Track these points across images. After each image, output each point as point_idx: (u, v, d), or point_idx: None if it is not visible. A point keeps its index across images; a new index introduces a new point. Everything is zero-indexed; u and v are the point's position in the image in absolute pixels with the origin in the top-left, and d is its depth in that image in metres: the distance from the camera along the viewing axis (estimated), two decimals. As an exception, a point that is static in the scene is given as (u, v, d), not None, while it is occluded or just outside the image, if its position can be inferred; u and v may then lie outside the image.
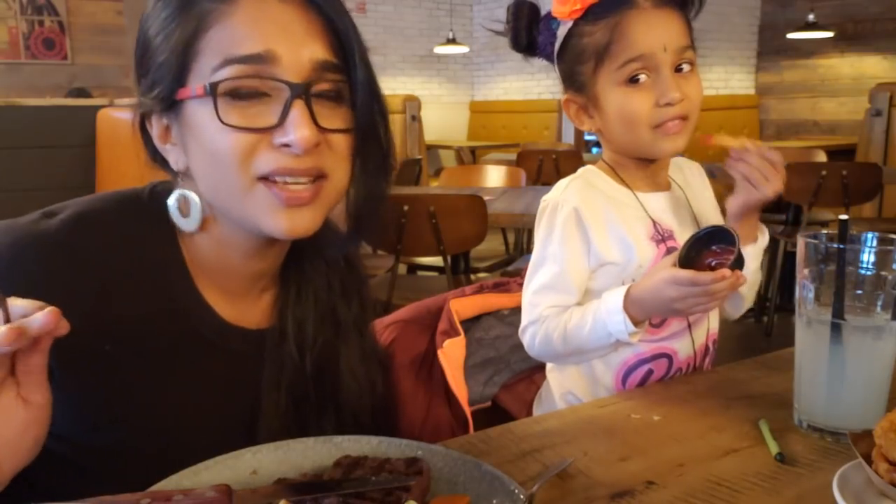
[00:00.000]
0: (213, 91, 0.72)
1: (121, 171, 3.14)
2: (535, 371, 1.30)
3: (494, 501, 0.65)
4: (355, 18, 0.77)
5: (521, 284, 1.18)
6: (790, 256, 4.06)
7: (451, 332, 1.22)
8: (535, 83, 8.10)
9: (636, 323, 1.03)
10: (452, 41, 7.62)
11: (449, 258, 2.94)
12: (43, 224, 0.76)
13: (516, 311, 1.21)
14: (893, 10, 6.50)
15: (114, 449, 0.76)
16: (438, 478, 0.69)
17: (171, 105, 0.76)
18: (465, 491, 0.67)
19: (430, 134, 7.66)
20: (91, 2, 6.54)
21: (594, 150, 6.17)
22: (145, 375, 0.78)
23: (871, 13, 6.67)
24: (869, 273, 0.84)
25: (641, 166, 1.13)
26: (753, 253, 1.11)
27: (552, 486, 0.74)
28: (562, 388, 1.18)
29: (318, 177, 0.76)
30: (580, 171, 1.17)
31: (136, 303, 0.77)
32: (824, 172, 3.85)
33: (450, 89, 8.90)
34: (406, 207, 2.74)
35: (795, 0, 7.09)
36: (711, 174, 1.28)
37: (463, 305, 1.28)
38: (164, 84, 0.75)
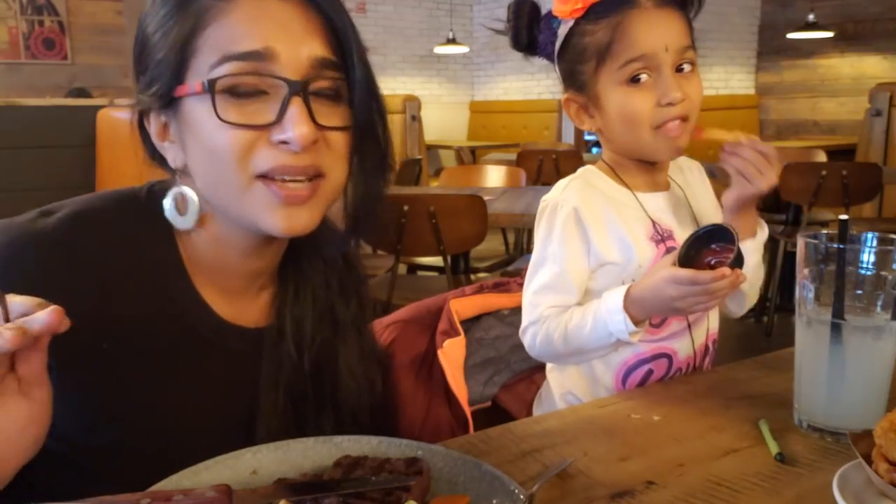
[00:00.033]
0: (211, 88, 0.72)
1: (121, 171, 3.14)
2: (535, 371, 1.30)
3: (494, 501, 0.65)
4: (355, 18, 0.77)
5: (521, 284, 1.18)
6: (790, 256, 4.06)
7: (451, 332, 1.22)
8: (535, 83, 8.10)
9: (636, 322, 1.03)
10: (452, 41, 7.62)
11: (449, 258, 2.94)
12: (40, 223, 0.77)
13: (516, 311, 1.21)
14: (893, 10, 6.50)
15: (112, 448, 0.76)
16: (438, 478, 0.69)
17: (169, 102, 0.76)
18: (465, 491, 0.67)
19: (430, 134, 7.66)
20: (91, 2, 6.54)
21: (594, 150, 6.17)
22: (143, 374, 0.78)
23: (871, 13, 6.67)
24: (869, 273, 0.84)
25: (641, 166, 1.13)
26: (753, 247, 1.10)
27: (552, 486, 0.74)
28: (562, 388, 1.18)
29: (316, 176, 0.76)
30: (580, 171, 1.17)
31: (133, 301, 0.77)
32: (824, 172, 3.85)
33: (450, 89, 8.90)
34: (406, 207, 2.74)
35: (795, 0, 7.09)
36: (712, 174, 1.27)
37: (463, 305, 1.28)
38: (162, 81, 0.75)
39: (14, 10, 6.27)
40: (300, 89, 0.73)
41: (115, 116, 3.44)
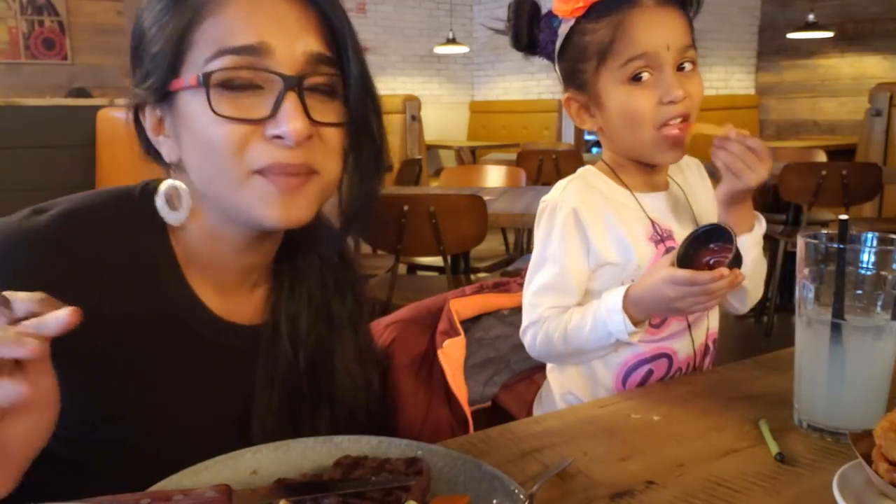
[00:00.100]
0: (205, 81, 0.72)
1: (121, 171, 3.14)
2: (535, 371, 1.30)
3: (494, 501, 0.65)
4: (355, 18, 0.77)
5: (521, 284, 1.18)
6: (790, 256, 4.06)
7: (451, 332, 1.22)
8: (535, 83, 8.10)
9: (636, 323, 1.03)
10: (452, 41, 7.62)
11: (449, 258, 2.94)
12: (32, 220, 0.77)
13: (516, 311, 1.21)
14: (893, 10, 6.50)
15: (109, 446, 0.76)
16: (438, 478, 0.69)
17: (164, 96, 0.76)
18: (465, 491, 0.67)
19: (430, 134, 7.66)
20: (91, 2, 6.54)
21: (594, 150, 6.17)
22: (138, 371, 0.78)
23: (871, 13, 6.67)
24: (869, 273, 0.84)
25: (641, 167, 1.13)
26: (751, 242, 1.10)
27: (552, 486, 0.74)
28: (562, 388, 1.18)
29: (310, 173, 0.76)
30: (579, 171, 1.17)
31: (127, 298, 0.77)
32: (824, 172, 3.85)
33: (450, 89, 8.90)
34: (406, 207, 2.74)
35: (795, 0, 7.09)
36: (712, 174, 1.27)
37: (463, 305, 1.28)
38: (157, 74, 0.75)
39: (14, 10, 6.27)
40: (295, 84, 0.73)
41: (115, 116, 3.44)
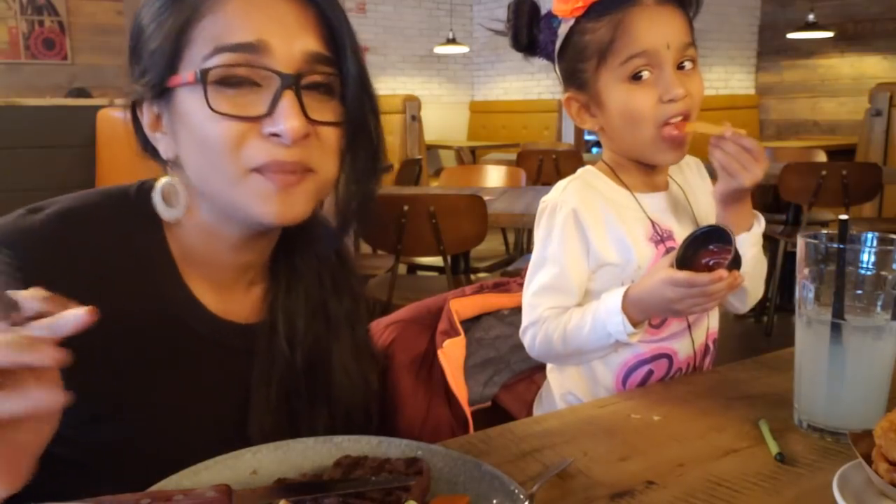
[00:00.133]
0: (203, 78, 0.72)
1: (121, 171, 3.14)
2: (535, 371, 1.30)
3: (494, 501, 0.65)
4: (355, 18, 0.77)
5: (521, 284, 1.18)
6: (790, 256, 4.06)
7: (451, 332, 1.22)
8: (535, 83, 8.10)
9: (635, 324, 1.03)
10: (452, 41, 7.62)
11: (449, 258, 2.94)
12: (28, 220, 0.77)
13: (516, 311, 1.21)
14: (893, 10, 6.50)
15: (106, 445, 0.76)
16: (438, 478, 0.69)
17: (161, 92, 0.76)
18: (465, 491, 0.67)
19: (430, 134, 7.66)
20: (91, 2, 6.54)
21: (594, 150, 6.17)
22: (134, 370, 0.78)
23: (871, 13, 6.67)
24: (869, 273, 0.84)
25: (641, 167, 1.13)
26: (750, 241, 1.09)
27: (552, 486, 0.74)
28: (562, 388, 1.18)
29: (306, 171, 0.76)
30: (579, 171, 1.17)
31: (123, 297, 0.77)
32: (824, 172, 3.85)
33: (450, 89, 8.90)
34: (406, 207, 2.74)
35: (795, 0, 7.09)
36: (712, 173, 1.27)
37: (463, 305, 1.28)
38: (155, 71, 0.75)
39: (14, 10, 6.27)
40: (292, 83, 0.73)
41: (115, 116, 3.44)
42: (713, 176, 1.16)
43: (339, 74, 0.78)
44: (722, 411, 0.94)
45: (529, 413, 1.23)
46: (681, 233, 1.13)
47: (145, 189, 0.84)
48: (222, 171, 0.74)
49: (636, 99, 1.05)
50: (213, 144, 0.73)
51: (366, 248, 3.72)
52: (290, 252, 0.90)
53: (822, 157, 4.71)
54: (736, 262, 0.95)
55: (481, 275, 3.43)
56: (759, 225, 1.11)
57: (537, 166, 4.91)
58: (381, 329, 1.23)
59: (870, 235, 0.85)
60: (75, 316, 0.55)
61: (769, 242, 4.06)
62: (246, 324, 0.87)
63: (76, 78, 6.37)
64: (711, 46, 7.10)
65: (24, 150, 3.42)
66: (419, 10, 8.46)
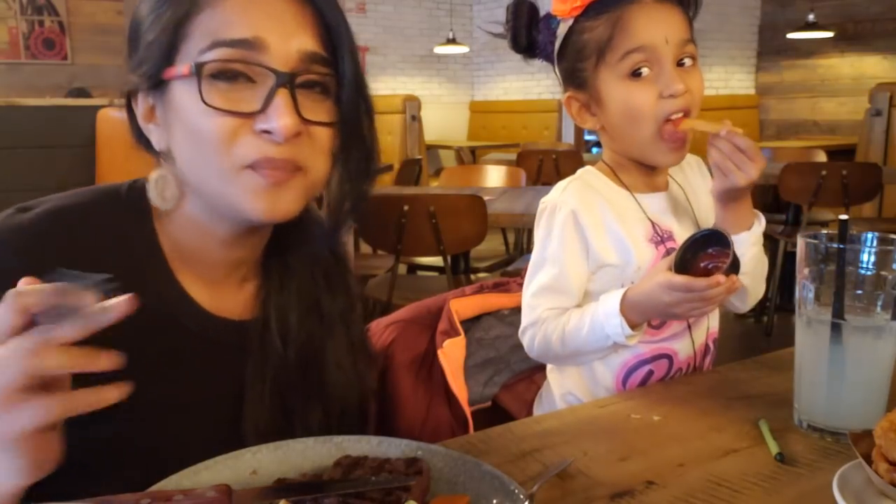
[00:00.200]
0: (198, 71, 0.73)
1: (120, 171, 3.14)
2: (535, 371, 1.30)
3: (494, 501, 0.65)
4: (355, 18, 0.78)
5: (521, 284, 1.18)
6: (790, 256, 4.06)
7: (451, 332, 1.22)
8: (535, 83, 8.10)
9: (633, 326, 1.03)
10: (452, 41, 7.61)
11: (449, 258, 2.95)
12: (17, 218, 0.77)
13: (516, 311, 1.21)
14: (893, 10, 6.50)
15: (102, 444, 0.76)
16: (438, 478, 0.69)
17: (157, 84, 0.76)
18: (465, 491, 0.67)
19: (430, 134, 7.66)
20: (91, 2, 6.54)
21: (594, 150, 6.17)
22: (127, 368, 0.78)
23: (871, 13, 6.67)
24: (869, 273, 0.84)
25: (641, 167, 1.13)
26: (751, 240, 1.09)
27: (552, 486, 0.74)
28: (562, 388, 1.18)
29: (296, 170, 0.76)
30: (579, 171, 1.17)
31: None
32: (824, 172, 3.85)
33: (450, 89, 8.90)
34: (406, 207, 2.74)
35: (795, 0, 7.09)
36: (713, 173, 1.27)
37: (463, 305, 1.28)
38: (151, 62, 0.76)
39: (14, 10, 6.27)
40: (287, 81, 0.74)
41: (115, 116, 3.43)
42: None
43: (335, 75, 0.78)
44: (722, 411, 0.94)
45: (529, 413, 1.23)
46: (681, 233, 1.13)
47: (137, 187, 0.84)
48: (213, 165, 0.74)
49: (636, 95, 1.05)
50: (205, 138, 0.74)
51: (366, 248, 3.72)
52: (282, 249, 0.90)
53: (822, 157, 4.71)
54: (734, 267, 0.95)
55: (481, 275, 3.43)
56: (760, 224, 1.11)
57: (537, 166, 4.91)
58: (381, 329, 1.23)
59: (870, 235, 0.85)
60: (120, 304, 0.57)
61: (769, 242, 4.06)
62: (238, 320, 0.86)
63: (76, 78, 6.37)
64: (711, 46, 7.10)
65: (24, 150, 3.42)
66: (419, 10, 8.46)
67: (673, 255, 0.99)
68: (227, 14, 0.74)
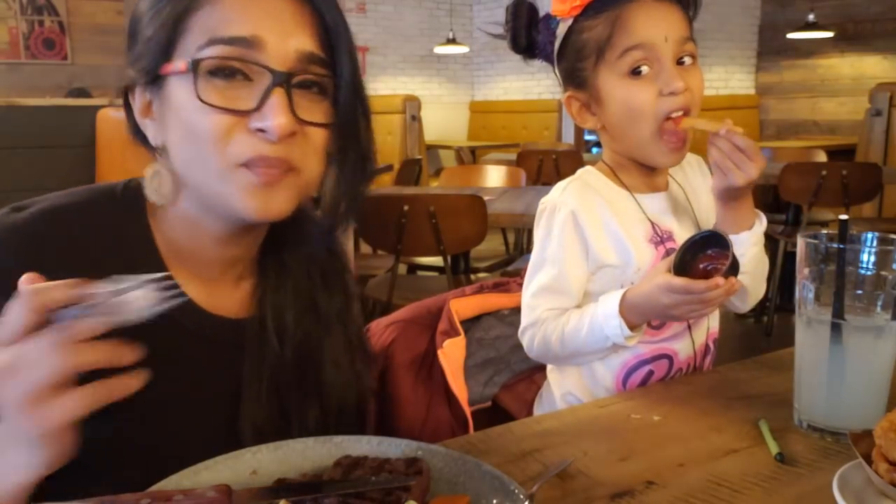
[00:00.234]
0: (194, 67, 0.73)
1: (121, 171, 3.14)
2: (535, 371, 1.30)
3: (494, 501, 0.65)
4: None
5: (521, 284, 1.18)
6: (790, 256, 4.06)
7: (451, 332, 1.22)
8: (535, 83, 8.10)
9: (632, 327, 1.03)
10: (452, 41, 7.61)
11: (449, 258, 2.95)
12: (11, 217, 0.77)
13: (516, 311, 1.21)
14: (893, 10, 6.50)
15: (97, 442, 0.76)
16: (438, 478, 0.69)
17: (154, 79, 0.77)
18: (465, 491, 0.67)
19: (430, 134, 7.66)
20: (91, 2, 6.54)
21: (594, 150, 6.17)
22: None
23: (871, 13, 6.67)
24: (869, 273, 0.84)
25: (641, 167, 1.13)
26: (752, 240, 1.08)
27: (552, 486, 0.74)
28: (562, 388, 1.18)
29: (289, 169, 0.77)
30: (579, 172, 1.17)
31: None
32: (824, 172, 3.85)
33: (450, 89, 8.90)
34: (406, 207, 2.74)
35: (795, 0, 7.09)
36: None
37: (463, 305, 1.28)
38: (149, 57, 0.76)
39: (14, 10, 6.27)
40: (284, 80, 0.74)
41: (115, 116, 3.44)
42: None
43: (333, 76, 0.78)
44: (722, 411, 0.94)
45: (529, 413, 1.23)
46: (681, 233, 1.12)
47: (132, 186, 0.84)
48: (207, 162, 0.74)
49: (636, 93, 1.05)
50: (199, 135, 0.74)
51: (366, 248, 3.72)
52: (279, 247, 0.90)
53: (822, 157, 4.71)
54: (733, 268, 0.95)
55: (481, 275, 3.43)
56: (761, 224, 1.10)
57: (537, 166, 4.91)
58: (381, 329, 1.23)
59: (870, 235, 0.85)
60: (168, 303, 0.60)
61: (769, 242, 4.06)
62: (235, 318, 0.86)
63: (76, 78, 6.37)
64: (711, 46, 7.10)
65: (24, 150, 3.42)
66: (419, 10, 8.46)
67: (672, 257, 0.99)
68: (225, 11, 0.74)
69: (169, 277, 0.63)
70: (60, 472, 0.74)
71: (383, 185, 4.79)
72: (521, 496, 0.64)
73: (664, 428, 0.90)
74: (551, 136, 7.69)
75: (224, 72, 0.73)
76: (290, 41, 0.75)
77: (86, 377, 0.62)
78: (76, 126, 3.54)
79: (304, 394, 0.88)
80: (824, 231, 0.88)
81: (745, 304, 1.16)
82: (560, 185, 1.15)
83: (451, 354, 1.19)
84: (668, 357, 1.13)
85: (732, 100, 7.33)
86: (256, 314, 0.88)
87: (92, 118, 3.54)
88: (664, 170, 1.17)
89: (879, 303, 0.84)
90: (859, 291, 0.84)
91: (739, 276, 0.98)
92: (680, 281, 0.95)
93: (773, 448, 0.82)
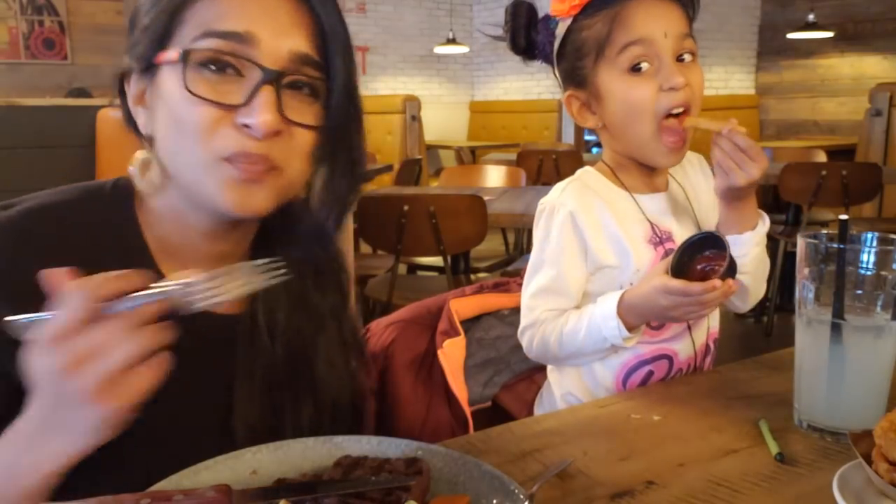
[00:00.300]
0: (184, 58, 0.73)
1: (121, 171, 3.14)
2: (535, 371, 1.30)
3: (494, 501, 0.65)
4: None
5: (521, 284, 1.18)
6: (790, 256, 4.06)
7: (451, 332, 1.22)
8: (535, 83, 8.10)
9: (630, 328, 1.03)
10: (452, 41, 7.61)
11: (449, 258, 2.95)
12: (0, 215, 0.77)
13: (516, 311, 1.21)
14: (893, 10, 6.50)
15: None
16: (438, 478, 0.69)
17: (148, 67, 0.77)
18: (465, 491, 0.67)
19: (430, 134, 7.66)
20: (91, 2, 6.54)
21: (594, 150, 6.17)
22: None
23: (871, 13, 6.67)
24: (869, 273, 0.84)
25: (641, 167, 1.13)
26: (754, 240, 1.08)
27: (552, 486, 0.74)
28: (562, 388, 1.18)
29: (271, 168, 0.76)
30: (578, 172, 1.16)
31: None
32: (824, 172, 3.85)
33: (450, 89, 8.90)
34: (406, 207, 2.74)
35: (795, 0, 7.09)
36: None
37: (463, 305, 1.28)
38: (145, 45, 0.76)
39: (14, 10, 6.27)
40: (274, 78, 0.74)
41: (115, 116, 3.43)
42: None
43: (326, 79, 0.78)
44: (722, 411, 0.94)
45: (529, 413, 1.23)
46: (680, 234, 1.12)
47: (121, 184, 0.84)
48: (192, 154, 0.75)
49: (636, 90, 1.05)
50: (185, 126, 0.74)
51: (366, 248, 3.72)
52: (270, 244, 0.90)
53: (822, 157, 4.71)
54: (731, 270, 0.95)
55: (481, 275, 3.43)
56: (764, 224, 1.10)
57: (537, 166, 4.91)
58: (381, 329, 1.23)
59: (870, 235, 0.85)
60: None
61: (769, 242, 4.05)
62: (226, 315, 0.86)
63: (76, 78, 6.37)
64: (711, 46, 7.10)
65: (24, 150, 3.42)
66: (419, 10, 8.46)
67: (669, 259, 0.99)
68: (223, 6, 0.74)
69: (274, 262, 0.68)
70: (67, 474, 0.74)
71: (383, 185, 4.79)
72: (521, 496, 0.64)
73: (664, 428, 0.90)
74: (551, 136, 7.69)
75: (215, 64, 0.74)
76: (284, 40, 0.75)
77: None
78: (76, 126, 3.54)
79: (298, 391, 0.87)
80: (824, 231, 0.88)
81: (746, 303, 1.16)
82: (559, 185, 1.15)
83: (451, 354, 1.19)
84: (669, 357, 1.13)
85: (732, 100, 7.34)
86: (247, 310, 0.87)
87: (92, 118, 3.54)
88: (664, 170, 1.16)
89: (879, 303, 0.84)
90: (859, 291, 0.84)
91: (740, 276, 0.98)
92: (677, 283, 0.95)
93: (773, 448, 0.82)
